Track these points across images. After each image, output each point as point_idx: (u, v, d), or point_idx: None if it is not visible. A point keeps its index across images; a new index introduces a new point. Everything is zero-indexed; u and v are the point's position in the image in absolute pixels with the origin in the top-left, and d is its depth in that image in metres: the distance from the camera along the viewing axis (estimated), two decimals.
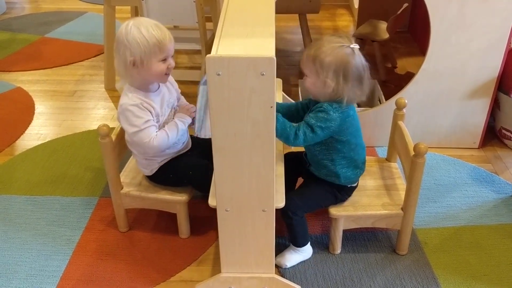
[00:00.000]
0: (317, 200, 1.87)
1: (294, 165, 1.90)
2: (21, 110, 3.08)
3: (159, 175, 1.97)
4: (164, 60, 1.78)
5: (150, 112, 1.81)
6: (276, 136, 1.60)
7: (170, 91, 1.93)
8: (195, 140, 2.05)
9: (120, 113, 1.82)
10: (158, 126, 1.84)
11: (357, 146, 1.82)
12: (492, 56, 2.37)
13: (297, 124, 1.70)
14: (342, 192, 1.88)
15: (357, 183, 1.93)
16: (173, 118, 1.91)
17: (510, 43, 2.40)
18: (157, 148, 1.82)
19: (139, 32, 1.73)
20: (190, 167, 1.94)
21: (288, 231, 1.90)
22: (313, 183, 1.89)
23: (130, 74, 1.79)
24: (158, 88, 1.88)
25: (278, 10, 2.14)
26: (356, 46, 1.68)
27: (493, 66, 2.40)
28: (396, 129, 2.05)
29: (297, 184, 2.06)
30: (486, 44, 2.34)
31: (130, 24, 1.75)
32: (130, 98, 1.80)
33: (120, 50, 1.76)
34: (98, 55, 3.75)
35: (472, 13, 2.27)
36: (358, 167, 1.86)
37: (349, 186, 1.88)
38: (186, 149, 2.01)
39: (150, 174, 1.97)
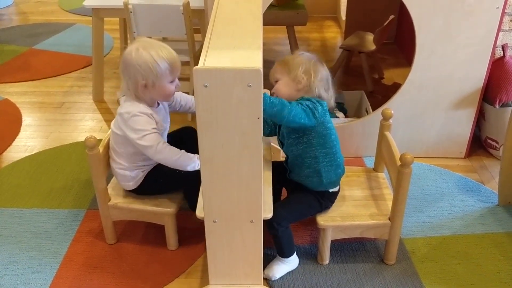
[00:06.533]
0: (302, 210, 1.88)
1: (278, 174, 1.91)
2: (8, 122, 3.06)
3: (146, 184, 1.96)
4: (173, 81, 1.82)
5: (156, 123, 1.85)
6: (269, 111, 1.59)
7: (165, 109, 1.98)
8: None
9: (126, 119, 1.80)
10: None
11: (337, 142, 1.85)
12: (477, 67, 2.41)
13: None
14: (325, 199, 1.90)
15: (339, 188, 1.94)
16: None
17: (495, 54, 2.44)
18: (162, 153, 1.80)
19: (150, 56, 1.75)
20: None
21: (274, 243, 1.90)
22: (297, 193, 1.91)
23: (139, 94, 1.81)
24: (159, 105, 1.92)
25: (266, 22, 2.16)
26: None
27: (478, 77, 2.44)
28: (382, 140, 2.07)
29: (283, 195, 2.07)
30: (471, 55, 2.38)
31: (140, 47, 1.76)
32: (138, 106, 1.81)
33: (131, 73, 1.78)
34: (86, 66, 3.75)
35: (457, 25, 2.30)
36: (339, 167, 1.88)
37: (331, 191, 1.90)
38: None
39: (135, 186, 1.96)
